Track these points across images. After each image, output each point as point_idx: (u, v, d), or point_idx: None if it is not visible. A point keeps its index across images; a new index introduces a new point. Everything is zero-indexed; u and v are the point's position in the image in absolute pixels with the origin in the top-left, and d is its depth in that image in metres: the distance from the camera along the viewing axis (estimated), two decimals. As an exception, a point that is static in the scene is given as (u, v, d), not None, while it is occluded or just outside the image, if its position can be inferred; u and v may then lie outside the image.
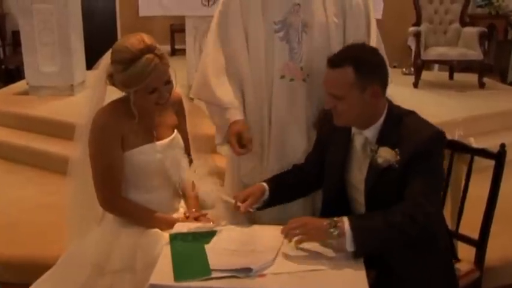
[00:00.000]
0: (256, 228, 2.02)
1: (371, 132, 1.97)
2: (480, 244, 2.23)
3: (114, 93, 2.10)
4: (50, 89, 5.21)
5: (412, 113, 2.00)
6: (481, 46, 5.74)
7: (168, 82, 2.02)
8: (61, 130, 4.36)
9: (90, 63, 5.51)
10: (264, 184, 2.12)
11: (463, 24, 6.05)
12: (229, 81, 2.30)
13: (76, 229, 2.24)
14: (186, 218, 2.11)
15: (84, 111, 2.13)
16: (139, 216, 2.08)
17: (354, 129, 2.03)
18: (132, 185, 2.11)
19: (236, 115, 2.27)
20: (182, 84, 2.22)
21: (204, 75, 2.32)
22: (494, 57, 7.57)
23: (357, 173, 2.04)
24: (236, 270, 1.67)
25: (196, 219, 2.09)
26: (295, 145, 2.35)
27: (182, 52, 6.23)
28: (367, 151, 1.98)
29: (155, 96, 1.99)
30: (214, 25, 2.36)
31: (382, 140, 1.94)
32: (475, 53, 5.71)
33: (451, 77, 6.23)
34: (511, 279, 2.98)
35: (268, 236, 1.92)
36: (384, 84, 1.95)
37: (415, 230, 1.82)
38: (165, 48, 6.68)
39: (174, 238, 1.90)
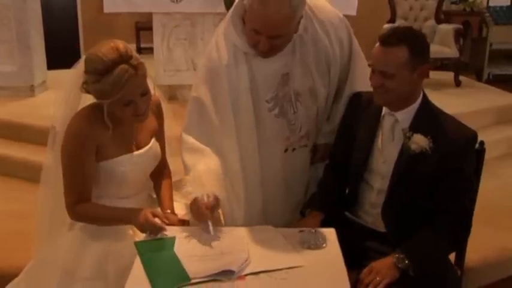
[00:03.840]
0: (215, 231, 1.98)
1: (403, 115, 2.08)
2: (460, 244, 2.29)
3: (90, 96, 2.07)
4: (8, 89, 5.10)
5: (444, 112, 2.12)
6: (457, 43, 5.87)
7: (145, 93, 1.96)
8: (22, 133, 4.31)
9: (51, 62, 5.47)
10: (320, 214, 2.24)
11: (438, 21, 6.19)
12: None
13: (45, 238, 2.23)
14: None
15: (58, 115, 2.11)
16: (111, 217, 2.05)
17: (384, 110, 2.13)
18: (106, 192, 2.11)
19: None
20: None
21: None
22: (470, 55, 7.75)
23: (377, 155, 2.14)
24: (217, 274, 1.70)
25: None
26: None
27: (148, 51, 6.21)
28: (394, 133, 2.09)
29: (131, 108, 1.94)
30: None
31: (416, 126, 2.04)
32: (450, 51, 5.84)
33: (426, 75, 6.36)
34: (491, 279, 3.09)
35: (230, 237, 1.95)
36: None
37: (465, 229, 2.07)
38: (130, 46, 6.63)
39: (140, 247, 1.87)
